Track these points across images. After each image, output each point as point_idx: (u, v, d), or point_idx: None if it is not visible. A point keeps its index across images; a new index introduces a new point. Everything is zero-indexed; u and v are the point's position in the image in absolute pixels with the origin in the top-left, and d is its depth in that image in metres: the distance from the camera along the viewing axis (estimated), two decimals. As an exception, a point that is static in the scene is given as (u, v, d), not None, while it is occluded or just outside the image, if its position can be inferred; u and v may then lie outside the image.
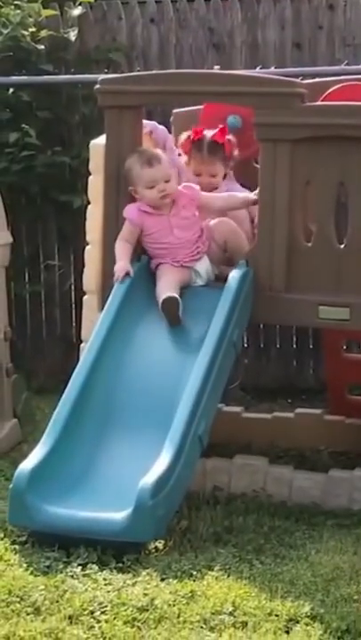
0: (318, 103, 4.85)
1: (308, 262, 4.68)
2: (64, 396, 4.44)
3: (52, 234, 6.96)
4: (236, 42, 6.61)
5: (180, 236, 4.75)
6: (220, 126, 5.00)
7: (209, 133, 5.00)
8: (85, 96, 6.60)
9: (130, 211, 4.76)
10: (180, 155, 5.04)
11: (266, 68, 6.36)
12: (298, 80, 5.01)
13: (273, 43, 6.56)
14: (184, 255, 4.76)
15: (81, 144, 6.34)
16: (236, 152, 5.03)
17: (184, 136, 5.07)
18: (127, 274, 4.67)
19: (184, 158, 5.05)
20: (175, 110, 5.40)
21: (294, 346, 6.76)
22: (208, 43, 6.64)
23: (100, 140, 4.90)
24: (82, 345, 4.84)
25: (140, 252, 4.85)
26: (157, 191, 4.70)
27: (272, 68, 6.35)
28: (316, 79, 5.42)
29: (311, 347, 6.67)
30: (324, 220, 4.68)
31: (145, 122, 5.01)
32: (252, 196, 4.77)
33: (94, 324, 4.68)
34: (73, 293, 6.86)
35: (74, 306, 6.88)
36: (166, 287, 4.65)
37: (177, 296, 4.59)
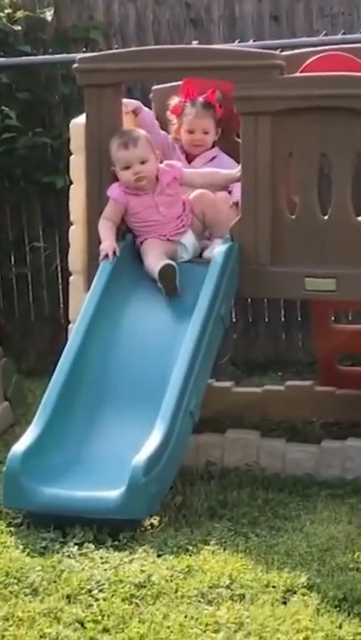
0: (297, 75, 4.84)
1: (292, 234, 4.68)
2: (54, 377, 4.44)
3: (37, 215, 6.94)
4: (213, 16, 6.57)
5: (166, 213, 4.76)
6: (213, 89, 5.03)
7: (203, 95, 5.09)
8: (64, 76, 6.57)
9: (114, 190, 4.76)
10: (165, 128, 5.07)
11: (244, 42, 6.34)
12: (276, 52, 4.99)
13: (250, 16, 6.52)
14: (170, 230, 4.76)
15: (62, 124, 6.31)
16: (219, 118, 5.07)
17: (175, 100, 5.11)
18: (114, 252, 4.67)
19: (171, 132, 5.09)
20: (154, 87, 5.38)
21: (283, 319, 6.77)
22: (185, 18, 6.61)
23: (81, 120, 4.88)
24: (70, 326, 4.84)
25: (124, 231, 4.84)
26: (132, 173, 4.71)
27: (250, 42, 6.32)
28: (295, 50, 5.40)
29: (300, 319, 6.68)
30: (307, 192, 4.68)
31: (128, 101, 5.00)
32: (236, 173, 4.77)
33: (81, 304, 4.68)
34: (59, 274, 6.85)
35: (61, 287, 6.88)
36: (157, 259, 4.66)
37: (174, 263, 4.61)
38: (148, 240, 4.76)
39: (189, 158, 5.10)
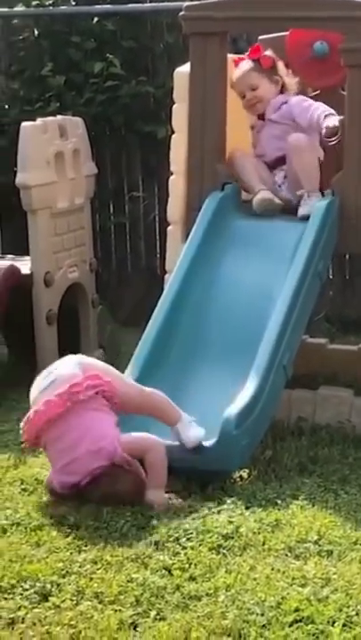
0: None
1: (396, 190, 4.60)
2: (149, 326, 4.45)
3: (137, 165, 6.94)
4: (323, -34, 6.44)
5: None
6: (256, 44, 4.93)
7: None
8: (170, 24, 6.54)
9: None
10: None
11: (354, -7, 6.20)
12: (388, 4, 4.87)
13: (361, -34, 6.37)
14: None
15: (165, 73, 6.29)
16: (281, 66, 4.91)
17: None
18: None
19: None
20: (261, 37, 5.30)
21: (381, 277, 6.68)
22: (295, -32, 6.48)
23: (185, 68, 4.84)
24: (166, 276, 4.84)
25: (223, 181, 4.80)
26: None
27: (360, -7, 6.18)
28: None
29: None
30: None
31: None
32: None
33: (178, 254, 4.67)
34: (157, 224, 6.85)
35: (158, 237, 6.88)
36: None
37: None
38: None
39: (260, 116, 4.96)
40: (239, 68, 4.93)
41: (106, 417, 3.91)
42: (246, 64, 4.92)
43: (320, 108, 4.76)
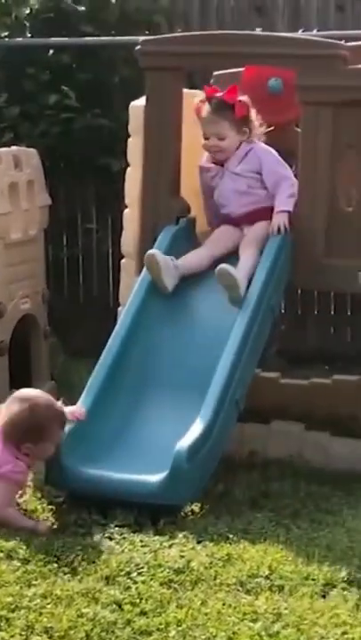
0: (361, 66, 4.78)
1: (348, 227, 4.64)
2: (101, 359, 4.44)
3: (91, 197, 6.95)
4: (278, 4, 6.54)
5: None
6: (233, 84, 4.78)
7: (221, 93, 4.75)
8: (126, 58, 6.56)
9: None
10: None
11: (308, 31, 6.29)
12: (341, 42, 4.93)
13: (315, 5, 6.48)
14: None
15: (120, 107, 6.30)
16: (253, 115, 4.76)
17: (197, 99, 4.81)
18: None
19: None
20: (215, 72, 5.34)
21: (332, 312, 6.72)
22: (250, 5, 6.57)
23: (141, 102, 4.87)
24: (119, 309, 4.83)
25: (178, 215, 4.82)
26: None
27: (314, 31, 6.27)
28: (359, 42, 5.34)
29: (350, 313, 6.63)
30: (365, 185, 4.63)
31: None
32: None
33: (132, 287, 4.67)
34: (110, 257, 6.86)
35: (111, 270, 6.88)
36: None
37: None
38: None
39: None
40: (209, 108, 4.73)
41: None
42: (218, 108, 4.71)
43: (290, 186, 4.69)
